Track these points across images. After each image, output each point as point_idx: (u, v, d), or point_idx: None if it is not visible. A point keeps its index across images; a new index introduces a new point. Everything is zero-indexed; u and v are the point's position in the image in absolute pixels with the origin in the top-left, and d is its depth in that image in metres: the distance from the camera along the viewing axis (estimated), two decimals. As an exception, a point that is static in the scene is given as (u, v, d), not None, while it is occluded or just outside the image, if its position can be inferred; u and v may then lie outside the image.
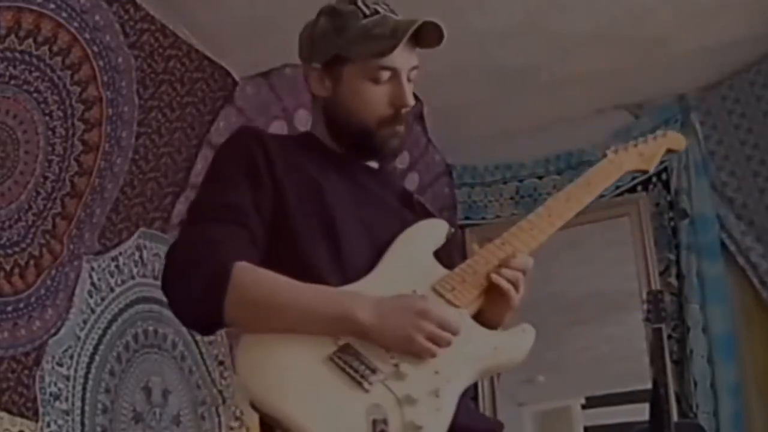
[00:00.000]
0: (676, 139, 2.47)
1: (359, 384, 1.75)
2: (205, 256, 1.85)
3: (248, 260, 1.86)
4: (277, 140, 2.11)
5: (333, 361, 1.77)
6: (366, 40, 2.03)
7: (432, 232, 2.10)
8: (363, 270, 1.94)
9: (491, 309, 1.99)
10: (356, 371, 1.76)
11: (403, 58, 2.04)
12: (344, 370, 1.76)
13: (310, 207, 1.98)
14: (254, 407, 1.75)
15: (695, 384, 4.60)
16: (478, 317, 1.97)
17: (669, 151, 2.45)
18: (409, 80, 2.08)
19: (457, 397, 1.81)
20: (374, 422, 1.71)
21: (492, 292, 1.98)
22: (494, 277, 1.97)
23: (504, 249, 2.04)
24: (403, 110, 2.07)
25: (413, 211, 2.17)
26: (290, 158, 2.05)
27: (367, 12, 2.06)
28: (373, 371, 1.77)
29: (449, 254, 2.09)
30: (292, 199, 1.98)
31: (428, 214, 2.18)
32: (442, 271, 1.99)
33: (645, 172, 2.42)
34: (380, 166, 2.18)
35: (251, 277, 1.84)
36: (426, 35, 2.04)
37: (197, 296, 1.84)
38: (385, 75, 2.04)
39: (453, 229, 2.13)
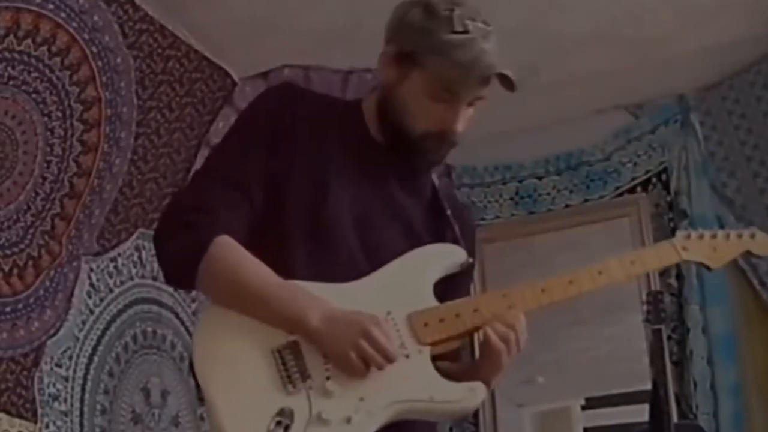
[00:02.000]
0: (763, 244, 2.26)
1: (284, 384, 1.80)
2: (195, 222, 1.91)
3: (236, 233, 1.92)
4: (313, 106, 2.10)
5: (273, 355, 1.82)
6: (442, 58, 1.97)
7: (443, 258, 2.04)
8: (345, 269, 1.94)
9: (484, 362, 1.96)
10: (288, 371, 1.81)
11: (471, 89, 2.01)
12: (278, 367, 1.81)
13: (308, 191, 1.98)
14: (191, 369, 1.85)
15: (695, 385, 4.59)
16: (478, 370, 1.96)
17: (748, 253, 2.26)
18: (470, 105, 2.05)
19: (370, 430, 1.80)
20: (277, 423, 1.76)
21: (484, 344, 1.94)
22: (488, 332, 1.92)
23: (502, 301, 1.97)
24: (451, 135, 2.03)
25: (440, 226, 2.11)
26: (318, 132, 2.04)
27: (459, 29, 1.99)
28: (304, 377, 1.81)
29: (455, 285, 2.05)
30: (297, 175, 1.99)
31: (454, 237, 2.10)
32: (431, 301, 1.96)
33: (708, 268, 2.24)
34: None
35: (226, 255, 1.89)
36: (501, 79, 2.02)
37: (175, 258, 1.92)
38: (446, 96, 2.00)
39: (471, 260, 2.07)
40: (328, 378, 1.81)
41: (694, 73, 4.94)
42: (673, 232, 4.85)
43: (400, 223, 2.06)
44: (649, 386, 4.18)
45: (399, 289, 1.95)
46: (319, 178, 1.99)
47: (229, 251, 1.90)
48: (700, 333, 4.67)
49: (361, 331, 1.82)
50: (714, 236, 2.24)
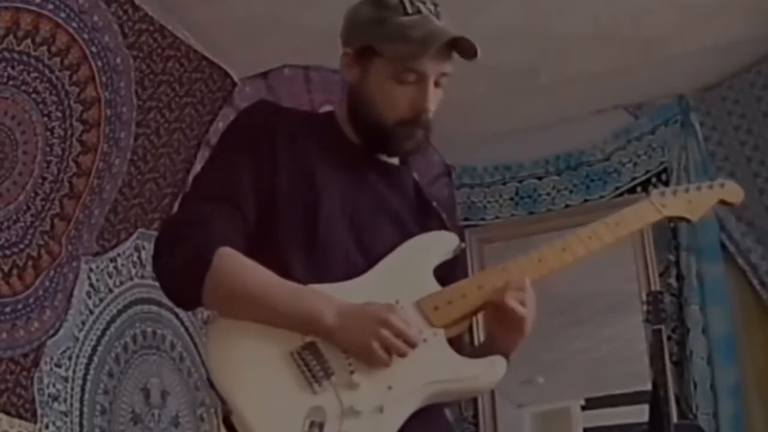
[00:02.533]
0: (733, 192, 2.32)
1: (310, 384, 1.80)
2: (192, 237, 1.90)
3: (234, 244, 1.91)
4: (290, 120, 2.12)
5: (293, 357, 1.82)
6: (399, 40, 2.00)
7: (438, 245, 2.06)
8: (345, 270, 1.94)
9: (503, 335, 1.98)
10: (311, 371, 1.81)
11: (432, 63, 2.02)
12: (300, 368, 1.81)
13: (299, 200, 1.99)
14: (211, 385, 1.83)
15: (695, 385, 4.59)
16: (493, 345, 1.98)
17: (722, 202, 2.31)
18: (437, 85, 2.05)
19: (403, 416, 1.82)
20: (311, 424, 1.75)
21: (501, 317, 1.96)
22: (507, 300, 1.94)
23: (502, 275, 2.00)
24: (423, 115, 2.04)
25: (427, 218, 2.14)
26: (299, 144, 2.05)
27: (410, 10, 2.02)
28: (328, 375, 1.81)
29: (452, 270, 2.06)
30: (285, 189, 1.99)
31: (443, 225, 2.14)
32: (434, 286, 1.98)
33: (688, 221, 2.30)
34: (400, 165, 2.16)
35: (230, 265, 1.88)
36: (460, 47, 2.03)
37: (178, 275, 1.91)
38: (411, 77, 2.02)
39: (463, 245, 2.11)
40: (352, 372, 1.81)
41: (694, 73, 4.94)
42: (673, 233, 4.89)
43: (390, 218, 2.07)
44: (648, 386, 4.18)
45: (401, 279, 1.96)
46: (308, 186, 2.00)
47: (233, 261, 1.89)
48: (700, 333, 4.67)
49: (380, 320, 1.82)
50: (686, 190, 2.27)
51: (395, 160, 2.15)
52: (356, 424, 1.77)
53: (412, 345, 1.83)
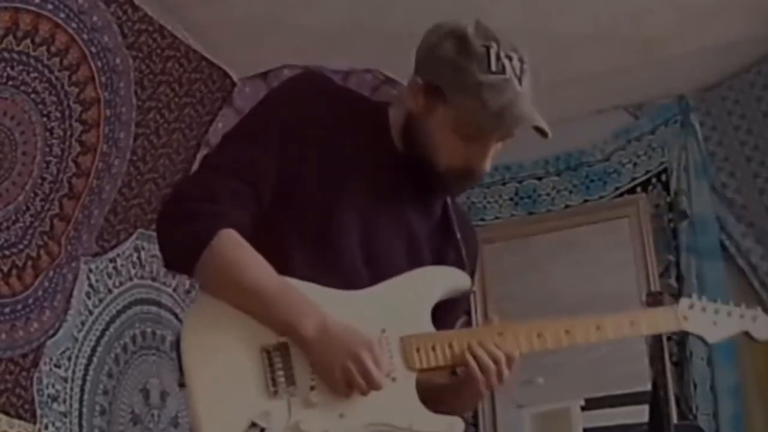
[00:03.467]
0: (762, 328, 2.29)
1: (267, 387, 1.79)
2: (199, 213, 1.88)
3: (241, 226, 1.88)
4: (335, 104, 2.03)
5: (261, 354, 1.81)
6: (473, 101, 1.90)
7: (448, 283, 2.00)
8: (345, 276, 1.91)
9: (463, 387, 1.94)
10: (273, 374, 1.79)
11: (499, 134, 1.97)
12: (264, 367, 1.80)
13: (318, 198, 1.94)
14: (177, 352, 1.82)
15: (695, 386, 4.59)
16: (452, 390, 1.95)
17: (746, 335, 2.27)
18: (500, 140, 1.99)
19: None
20: (251, 425, 1.75)
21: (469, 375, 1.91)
22: (468, 357, 1.89)
23: (495, 340, 1.92)
24: (478, 173, 2.00)
25: (445, 246, 2.07)
26: (336, 135, 1.98)
27: (494, 68, 1.91)
28: (288, 383, 1.79)
29: (450, 308, 2.02)
30: (306, 183, 1.95)
31: (459, 258, 2.07)
32: (427, 325, 1.93)
33: (705, 342, 2.26)
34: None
35: (228, 250, 1.86)
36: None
37: (178, 246, 1.89)
38: (475, 137, 1.95)
39: (474, 289, 2.05)
40: (312, 388, 1.80)
41: (694, 73, 4.93)
42: (673, 233, 4.89)
43: (405, 238, 2.01)
44: (648, 387, 4.17)
45: (397, 308, 1.92)
46: (331, 182, 1.95)
47: (232, 246, 1.87)
48: (700, 334, 4.66)
49: (352, 354, 1.79)
50: (716, 311, 2.22)
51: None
52: None
53: (375, 388, 1.80)
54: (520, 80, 1.94)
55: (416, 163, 1.99)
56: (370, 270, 1.94)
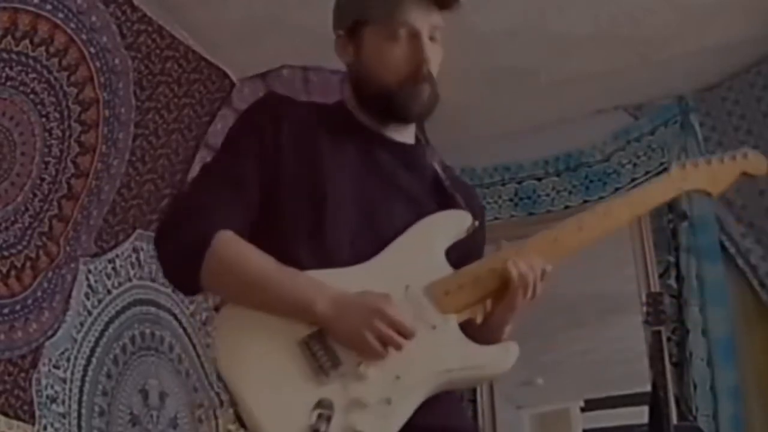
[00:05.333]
0: (756, 163, 2.24)
1: (317, 375, 1.79)
2: (194, 221, 1.91)
3: (236, 229, 1.91)
4: (299, 109, 2.11)
5: (300, 346, 1.81)
6: (381, 4, 2.02)
7: (450, 224, 2.02)
8: (352, 255, 1.92)
9: (499, 303, 1.95)
10: (318, 361, 1.80)
11: (421, 16, 2.01)
12: (307, 358, 1.80)
13: (305, 187, 1.97)
14: (219, 377, 1.82)
15: (695, 387, 4.59)
16: (481, 326, 1.95)
17: (744, 174, 2.23)
18: (432, 39, 2.03)
19: (412, 407, 1.80)
20: (318, 416, 1.73)
21: (500, 291, 1.93)
22: (508, 266, 1.91)
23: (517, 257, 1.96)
24: (424, 67, 2.01)
25: (442, 197, 2.09)
26: (306, 131, 2.04)
27: None
28: (335, 365, 1.80)
29: (468, 249, 2.03)
30: (290, 176, 1.98)
31: (455, 203, 2.08)
32: (446, 269, 1.94)
33: (709, 194, 2.24)
34: (415, 143, 2.13)
35: (229, 248, 1.89)
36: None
37: (178, 257, 1.91)
38: (403, 32, 2.01)
39: (477, 222, 2.05)
40: (359, 362, 1.80)
41: (694, 73, 4.93)
42: (672, 233, 4.89)
43: (403, 198, 2.04)
44: (648, 388, 4.18)
45: (411, 263, 1.93)
46: (315, 171, 1.99)
47: (232, 245, 1.89)
48: (699, 334, 4.66)
49: (372, 310, 1.80)
50: (708, 162, 2.21)
51: (410, 138, 2.13)
52: (363, 416, 1.76)
53: (408, 336, 1.81)
54: None
55: (375, 103, 2.05)
56: (376, 241, 1.95)
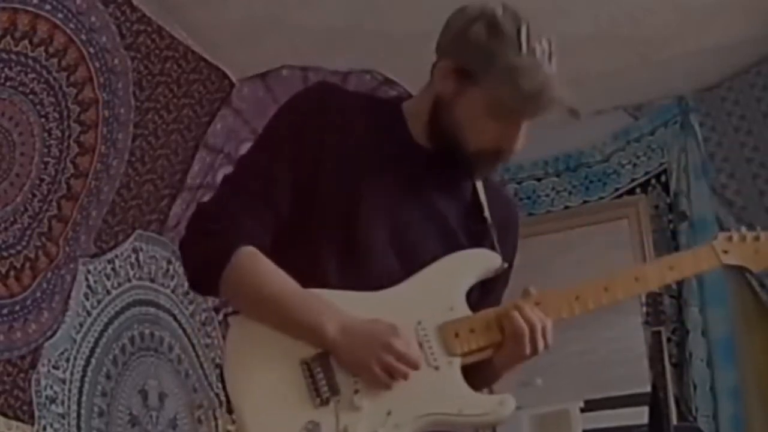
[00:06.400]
0: None
1: (312, 398, 1.80)
2: (218, 231, 1.91)
3: (260, 242, 1.90)
4: (347, 107, 2.03)
5: (302, 366, 1.82)
6: (507, 83, 1.91)
7: (478, 265, 1.99)
8: (377, 279, 1.91)
9: (505, 350, 1.92)
10: (316, 384, 1.81)
11: (532, 115, 1.97)
12: (307, 379, 1.81)
13: (340, 202, 1.94)
14: (222, 383, 1.86)
15: (695, 387, 4.59)
16: (482, 365, 1.93)
17: None
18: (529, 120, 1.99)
19: None
20: None
21: (506, 339, 1.91)
22: (514, 314, 1.89)
23: (534, 309, 1.92)
24: (507, 154, 1.99)
25: (477, 226, 2.05)
26: (350, 136, 1.98)
27: (525, 50, 1.94)
28: (333, 391, 1.80)
29: (489, 290, 2.02)
30: (326, 186, 1.94)
31: (487, 239, 2.04)
32: (463, 310, 1.92)
33: (750, 272, 2.23)
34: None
35: (248, 265, 1.89)
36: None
37: (199, 266, 1.93)
38: (506, 118, 1.95)
39: (506, 265, 2.02)
40: (356, 392, 1.81)
41: (694, 74, 4.93)
42: (672, 234, 4.88)
43: (437, 226, 2.00)
44: (648, 388, 4.18)
45: (430, 298, 1.92)
46: (351, 184, 1.94)
47: (251, 261, 1.89)
48: (699, 335, 4.66)
49: (381, 344, 1.80)
50: (757, 238, 2.17)
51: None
52: None
53: (414, 367, 1.81)
54: (549, 61, 1.98)
55: (441, 149, 1.98)
56: (404, 265, 1.94)
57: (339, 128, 1.98)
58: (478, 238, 2.03)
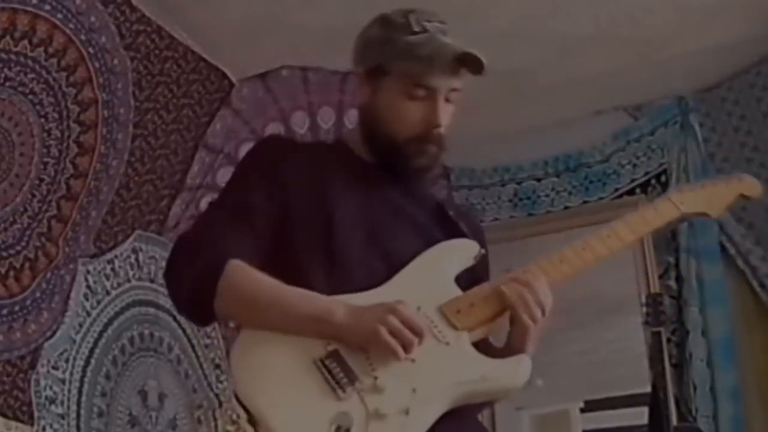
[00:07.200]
0: (750, 185, 2.34)
1: (333, 391, 1.80)
2: (205, 251, 1.94)
3: (246, 259, 1.93)
4: (302, 146, 2.20)
5: (316, 365, 1.83)
6: (407, 58, 2.04)
7: (459, 252, 2.08)
8: (363, 281, 1.95)
9: (512, 331, 1.98)
10: (334, 378, 1.81)
11: (441, 78, 2.05)
12: (324, 376, 1.82)
13: (313, 215, 2.00)
14: (238, 400, 1.83)
15: (694, 388, 4.59)
16: (509, 343, 1.98)
17: (742, 197, 2.32)
18: (448, 101, 2.08)
19: (430, 418, 1.81)
20: (337, 429, 1.76)
21: (506, 312, 1.97)
22: (503, 287, 1.96)
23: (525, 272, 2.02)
24: (435, 130, 2.07)
25: (446, 225, 2.15)
26: (311, 164, 2.09)
27: (416, 29, 2.07)
28: (352, 381, 1.81)
29: (476, 277, 2.07)
30: (297, 206, 2.01)
31: (460, 231, 2.14)
32: (456, 292, 1.98)
33: (708, 216, 2.31)
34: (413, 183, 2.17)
35: (241, 276, 1.91)
36: (467, 62, 2.05)
37: (189, 288, 1.93)
38: (421, 93, 2.05)
39: (483, 251, 2.10)
40: (376, 377, 1.81)
41: (694, 74, 4.93)
42: (672, 234, 4.88)
43: (409, 223, 2.08)
44: (648, 389, 4.18)
45: (422, 287, 1.97)
46: (321, 200, 2.02)
47: (244, 269, 1.91)
48: (699, 335, 4.66)
49: (388, 308, 1.83)
50: (703, 186, 2.30)
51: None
52: (382, 426, 1.77)
53: (418, 333, 1.83)
54: (443, 33, 2.08)
55: (382, 156, 2.10)
56: (387, 265, 1.99)
57: (301, 161, 2.10)
58: (451, 231, 2.11)
